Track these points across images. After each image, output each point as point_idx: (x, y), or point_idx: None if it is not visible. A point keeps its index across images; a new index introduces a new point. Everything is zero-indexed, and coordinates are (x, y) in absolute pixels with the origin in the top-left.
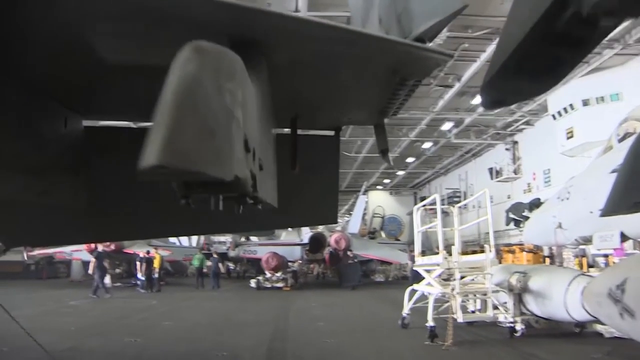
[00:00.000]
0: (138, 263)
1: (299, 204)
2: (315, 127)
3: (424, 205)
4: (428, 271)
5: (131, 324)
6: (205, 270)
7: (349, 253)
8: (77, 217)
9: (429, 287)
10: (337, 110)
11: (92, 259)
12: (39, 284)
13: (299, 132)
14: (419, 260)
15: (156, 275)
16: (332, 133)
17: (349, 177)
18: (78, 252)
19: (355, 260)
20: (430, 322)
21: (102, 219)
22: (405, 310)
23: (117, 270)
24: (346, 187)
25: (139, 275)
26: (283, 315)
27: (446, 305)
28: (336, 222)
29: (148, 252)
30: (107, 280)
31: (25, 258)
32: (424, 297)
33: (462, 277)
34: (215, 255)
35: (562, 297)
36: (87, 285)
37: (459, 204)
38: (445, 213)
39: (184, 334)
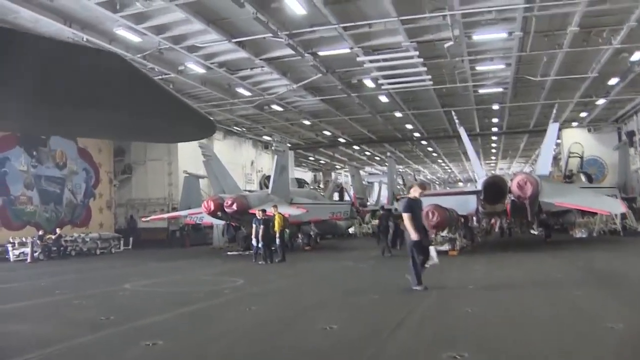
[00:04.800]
0: (254, 226)
1: None
2: None
3: None
4: None
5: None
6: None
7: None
8: None
9: None
10: None
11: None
12: (169, 253)
13: None
14: None
15: (278, 241)
16: None
17: (537, 110)
18: (195, 216)
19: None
20: None
21: None
22: None
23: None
24: (534, 125)
25: (254, 241)
26: (389, 328)
27: None
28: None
29: (264, 211)
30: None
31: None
32: None
33: None
34: (381, 211)
35: None
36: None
37: None
38: None
39: None
